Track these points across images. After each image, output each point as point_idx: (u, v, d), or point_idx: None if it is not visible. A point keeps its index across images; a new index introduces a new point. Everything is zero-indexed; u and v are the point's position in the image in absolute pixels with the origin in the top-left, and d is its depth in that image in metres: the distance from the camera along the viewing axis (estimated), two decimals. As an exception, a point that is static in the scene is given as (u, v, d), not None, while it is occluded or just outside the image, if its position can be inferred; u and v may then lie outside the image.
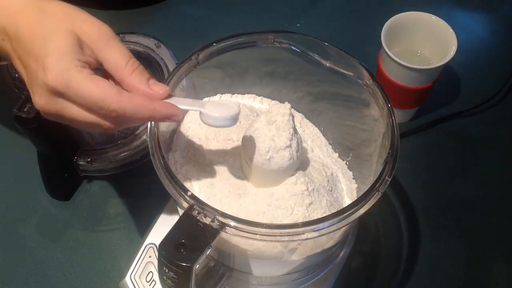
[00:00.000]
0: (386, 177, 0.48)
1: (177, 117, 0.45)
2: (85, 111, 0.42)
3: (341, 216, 0.46)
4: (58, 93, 0.41)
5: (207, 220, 0.44)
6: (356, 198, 0.50)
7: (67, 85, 0.41)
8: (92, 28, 0.43)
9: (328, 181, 0.57)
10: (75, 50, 0.42)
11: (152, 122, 0.50)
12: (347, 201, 0.58)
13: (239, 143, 0.53)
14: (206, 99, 0.62)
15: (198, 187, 0.54)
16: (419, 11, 0.75)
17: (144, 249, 0.62)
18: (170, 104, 0.45)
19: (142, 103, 0.43)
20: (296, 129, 0.51)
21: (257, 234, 0.44)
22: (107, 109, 0.41)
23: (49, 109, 0.43)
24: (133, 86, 0.44)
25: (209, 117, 0.46)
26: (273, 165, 0.50)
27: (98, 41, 0.43)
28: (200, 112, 0.46)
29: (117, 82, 0.44)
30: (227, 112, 0.46)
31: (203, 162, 0.55)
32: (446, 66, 0.71)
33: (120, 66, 0.44)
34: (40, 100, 0.42)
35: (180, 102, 0.46)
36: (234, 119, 0.46)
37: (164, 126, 0.54)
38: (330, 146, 0.63)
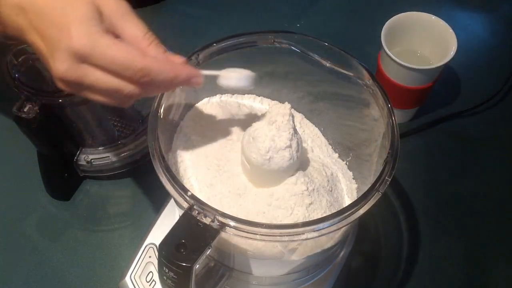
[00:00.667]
0: (386, 177, 0.48)
1: (198, 79, 0.47)
2: (108, 75, 0.42)
3: (341, 216, 0.46)
4: (82, 57, 0.41)
5: (207, 220, 0.44)
6: (356, 198, 0.50)
7: (92, 47, 0.41)
8: (110, 1, 0.44)
9: (328, 181, 0.57)
10: (96, 17, 0.42)
11: (152, 122, 0.50)
12: (347, 201, 0.58)
13: (239, 143, 0.53)
14: (206, 99, 0.62)
15: (198, 187, 0.54)
16: (419, 11, 0.75)
17: (144, 249, 0.62)
18: (191, 66, 0.47)
19: (166, 63, 0.44)
20: (296, 129, 0.51)
21: (257, 234, 0.44)
22: (133, 69, 0.42)
23: (70, 76, 0.42)
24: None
25: (228, 78, 0.50)
26: (273, 165, 0.50)
27: (116, 13, 0.44)
28: (219, 76, 0.50)
29: None
30: (244, 73, 0.51)
31: (203, 162, 0.55)
32: (446, 66, 0.71)
33: (137, 37, 0.45)
34: (62, 66, 0.42)
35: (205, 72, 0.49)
36: (251, 79, 0.51)
37: (164, 126, 0.54)
38: (330, 146, 0.63)
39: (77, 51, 0.41)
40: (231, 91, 0.63)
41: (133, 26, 0.45)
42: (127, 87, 0.43)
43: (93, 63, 0.42)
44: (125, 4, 0.45)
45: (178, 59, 0.46)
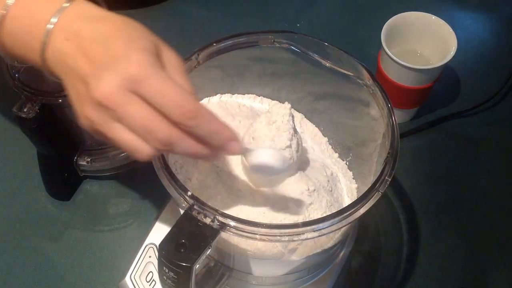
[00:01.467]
0: (386, 177, 0.48)
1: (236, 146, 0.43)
2: (152, 110, 0.40)
3: (341, 216, 0.46)
4: (135, 82, 0.39)
5: (207, 220, 0.44)
6: (356, 198, 0.50)
7: (149, 76, 0.39)
8: (171, 52, 0.43)
9: (328, 181, 0.57)
10: (157, 55, 0.41)
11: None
12: (347, 201, 0.58)
13: (239, 143, 0.53)
14: (205, 99, 0.62)
15: (198, 187, 0.54)
16: (419, 11, 0.75)
17: (144, 249, 0.62)
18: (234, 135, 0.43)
19: (215, 119, 0.41)
20: (296, 129, 0.51)
21: (257, 234, 0.44)
22: (183, 108, 0.39)
23: (113, 98, 0.39)
24: None
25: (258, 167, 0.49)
26: (273, 165, 0.50)
27: (174, 63, 0.43)
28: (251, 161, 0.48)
29: None
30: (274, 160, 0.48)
31: (203, 162, 0.55)
32: (446, 66, 0.71)
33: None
34: (109, 85, 0.39)
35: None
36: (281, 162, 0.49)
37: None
38: (330, 146, 0.63)
39: (133, 75, 0.39)
40: (231, 91, 0.64)
41: (183, 81, 0.43)
42: (164, 131, 0.40)
43: (143, 93, 0.39)
44: (182, 61, 0.44)
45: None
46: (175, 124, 0.40)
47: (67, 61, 0.42)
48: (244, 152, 0.48)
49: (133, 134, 0.41)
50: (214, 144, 0.42)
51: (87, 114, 0.41)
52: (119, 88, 0.39)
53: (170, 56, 0.43)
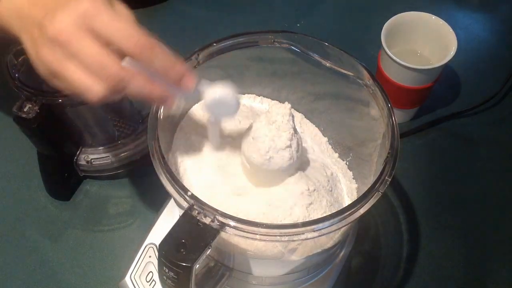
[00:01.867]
0: (386, 177, 0.48)
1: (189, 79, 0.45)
2: (103, 47, 0.41)
3: (341, 216, 0.46)
4: (87, 18, 0.41)
5: (207, 220, 0.44)
6: (356, 198, 0.50)
7: (100, 11, 0.41)
8: (123, 4, 0.44)
9: (328, 181, 0.57)
10: (110, 3, 0.43)
11: (152, 122, 0.50)
12: (347, 201, 0.58)
13: (239, 143, 0.53)
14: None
15: (198, 187, 0.54)
16: (419, 11, 0.75)
17: (144, 249, 0.62)
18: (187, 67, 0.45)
19: (165, 53, 0.43)
20: (296, 129, 0.51)
21: (257, 234, 0.44)
22: (135, 39, 0.41)
23: (66, 34, 0.41)
24: None
25: (212, 108, 0.49)
26: (273, 165, 0.50)
27: (127, 15, 0.44)
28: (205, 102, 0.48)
29: None
30: (229, 105, 0.49)
31: (203, 162, 0.55)
32: (446, 66, 0.71)
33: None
34: (62, 22, 0.41)
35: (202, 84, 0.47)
36: (234, 109, 0.49)
37: (164, 126, 0.54)
38: (330, 146, 0.63)
39: (85, 10, 0.41)
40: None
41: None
42: (116, 66, 0.41)
43: (96, 28, 0.41)
44: (133, 14, 0.45)
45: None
46: None
47: (21, 12, 0.44)
48: (197, 88, 0.47)
49: (86, 72, 0.41)
50: (169, 80, 0.43)
51: (41, 56, 0.42)
52: (72, 24, 0.41)
53: (121, 7, 0.44)
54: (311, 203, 0.52)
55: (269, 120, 0.50)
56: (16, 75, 0.62)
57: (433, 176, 0.77)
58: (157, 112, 0.51)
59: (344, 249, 0.62)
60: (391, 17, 0.74)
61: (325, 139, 0.63)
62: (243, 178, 0.54)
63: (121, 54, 0.42)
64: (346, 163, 0.62)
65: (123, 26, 0.41)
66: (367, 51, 0.83)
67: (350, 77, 0.56)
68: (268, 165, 0.50)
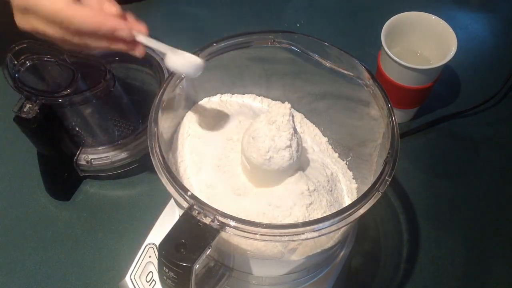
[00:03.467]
0: (386, 177, 0.48)
1: (122, 31, 0.48)
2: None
3: (341, 216, 0.46)
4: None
5: (207, 220, 0.44)
6: (356, 198, 0.50)
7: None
8: None
9: (328, 181, 0.57)
10: None
11: (152, 122, 0.50)
12: (347, 201, 0.58)
13: (239, 143, 0.53)
14: (206, 99, 0.62)
15: (198, 187, 0.54)
16: (419, 11, 0.75)
17: (144, 249, 0.62)
18: (123, 20, 0.49)
19: (95, 13, 0.47)
20: (296, 129, 0.51)
21: (257, 234, 0.44)
22: (59, 18, 0.46)
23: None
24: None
25: (174, 61, 0.50)
26: (273, 165, 0.50)
27: None
28: (165, 56, 0.50)
29: None
30: (191, 60, 0.51)
31: (203, 162, 0.55)
32: (446, 66, 0.71)
33: None
34: None
35: (146, 39, 0.50)
36: (197, 68, 0.51)
37: (164, 126, 0.54)
38: (330, 146, 0.63)
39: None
40: (231, 91, 0.64)
41: None
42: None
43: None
44: None
45: (113, 10, 0.49)
46: None
47: None
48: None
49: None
50: (104, 35, 0.48)
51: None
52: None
53: None
54: (311, 203, 0.52)
55: (269, 120, 0.50)
56: (16, 75, 0.62)
57: (433, 176, 0.77)
58: (157, 112, 0.51)
59: (344, 249, 0.62)
60: (391, 17, 0.74)
61: (325, 139, 0.63)
62: (243, 178, 0.54)
63: None
64: (346, 163, 0.62)
65: (50, 6, 0.47)
66: (367, 51, 0.83)
67: (350, 77, 0.56)
68: (268, 165, 0.50)
